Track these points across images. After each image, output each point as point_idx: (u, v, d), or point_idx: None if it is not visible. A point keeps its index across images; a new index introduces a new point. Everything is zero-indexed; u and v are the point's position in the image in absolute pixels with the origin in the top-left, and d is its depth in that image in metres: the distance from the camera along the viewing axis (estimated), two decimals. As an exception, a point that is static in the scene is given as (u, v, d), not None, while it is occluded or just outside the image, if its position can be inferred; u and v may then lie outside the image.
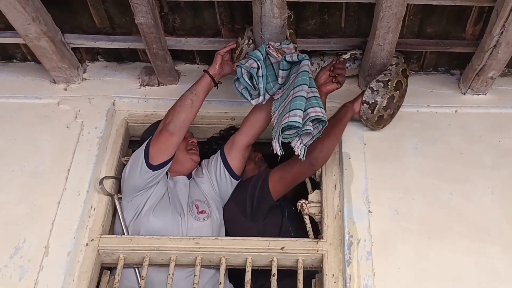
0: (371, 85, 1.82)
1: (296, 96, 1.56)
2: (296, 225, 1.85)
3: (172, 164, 1.81)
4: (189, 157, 1.89)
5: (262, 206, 1.79)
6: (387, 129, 1.88)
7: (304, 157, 1.61)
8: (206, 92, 1.76)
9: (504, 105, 1.94)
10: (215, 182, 1.87)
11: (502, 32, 1.67)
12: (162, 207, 1.79)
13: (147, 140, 1.76)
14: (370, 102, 1.79)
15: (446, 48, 1.89)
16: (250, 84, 1.69)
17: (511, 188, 1.75)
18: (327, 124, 1.59)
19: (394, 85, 1.80)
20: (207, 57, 2.04)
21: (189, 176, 1.92)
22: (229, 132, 1.98)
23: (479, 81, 1.90)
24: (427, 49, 1.92)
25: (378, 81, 1.81)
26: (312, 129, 1.57)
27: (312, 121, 1.58)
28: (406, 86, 1.87)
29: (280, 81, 1.70)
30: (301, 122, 1.54)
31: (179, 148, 1.83)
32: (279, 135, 1.57)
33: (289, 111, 1.55)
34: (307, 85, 1.59)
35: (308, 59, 1.64)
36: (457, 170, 1.79)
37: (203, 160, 1.94)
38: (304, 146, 1.60)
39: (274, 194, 1.77)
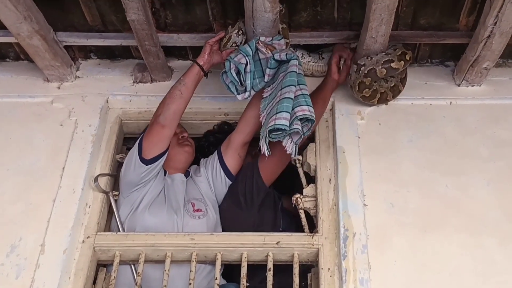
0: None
1: (283, 98, 1.57)
2: (288, 221, 1.86)
3: (168, 161, 1.82)
4: (182, 149, 1.89)
5: (255, 195, 1.80)
6: (381, 121, 1.88)
7: (296, 154, 1.62)
8: (196, 82, 1.76)
9: (499, 96, 1.93)
10: (211, 181, 1.88)
11: (496, 22, 1.66)
12: (158, 204, 1.79)
13: (140, 136, 1.77)
14: (360, 64, 1.79)
15: (440, 40, 1.87)
16: (237, 79, 1.70)
17: (507, 180, 1.74)
18: (314, 122, 1.60)
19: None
20: (199, 53, 1.99)
21: (187, 174, 1.92)
22: (223, 126, 1.98)
23: (474, 72, 1.88)
24: (420, 41, 1.91)
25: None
26: (301, 128, 1.57)
27: (301, 119, 1.57)
28: (405, 72, 1.85)
29: (266, 79, 1.71)
30: (287, 125, 1.54)
31: (171, 144, 1.83)
32: (266, 136, 1.58)
33: (276, 113, 1.55)
34: (295, 86, 1.59)
35: (296, 59, 1.64)
36: (453, 162, 1.78)
37: (202, 159, 1.94)
38: (295, 145, 1.60)
39: (266, 179, 1.78)
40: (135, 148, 1.75)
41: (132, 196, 1.78)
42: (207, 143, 2.00)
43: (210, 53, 1.77)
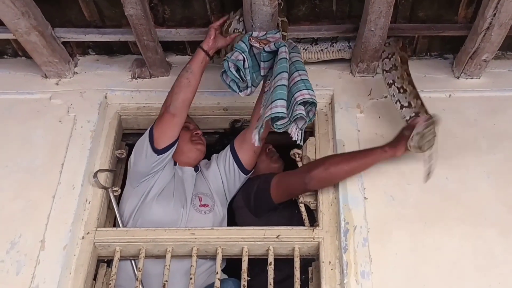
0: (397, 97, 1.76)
1: (276, 86, 1.57)
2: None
3: (178, 155, 1.83)
4: (194, 147, 1.90)
5: (263, 207, 1.82)
6: (381, 115, 1.87)
7: (302, 141, 1.63)
8: (202, 68, 1.76)
9: (498, 88, 1.93)
10: (224, 175, 1.87)
11: (495, 14, 1.66)
12: (165, 195, 1.79)
13: (151, 126, 1.77)
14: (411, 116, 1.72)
15: (438, 32, 1.87)
16: (238, 76, 1.69)
17: (507, 172, 1.74)
18: (316, 105, 1.60)
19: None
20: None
21: (196, 168, 1.92)
22: (235, 125, 1.97)
23: (473, 65, 1.88)
24: (419, 33, 1.90)
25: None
26: (304, 113, 1.57)
27: (304, 104, 1.57)
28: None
29: (262, 72, 1.71)
30: (284, 111, 1.54)
31: (184, 139, 1.83)
32: (261, 126, 1.58)
33: (272, 102, 1.56)
34: (286, 72, 1.59)
35: (285, 45, 1.63)
36: (452, 155, 1.77)
37: (213, 155, 1.95)
38: (300, 131, 1.61)
39: (275, 198, 1.78)
40: (145, 138, 1.75)
41: (142, 186, 1.78)
42: (222, 146, 1.98)
43: (215, 37, 1.77)
